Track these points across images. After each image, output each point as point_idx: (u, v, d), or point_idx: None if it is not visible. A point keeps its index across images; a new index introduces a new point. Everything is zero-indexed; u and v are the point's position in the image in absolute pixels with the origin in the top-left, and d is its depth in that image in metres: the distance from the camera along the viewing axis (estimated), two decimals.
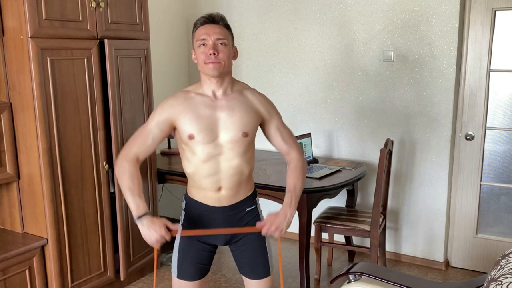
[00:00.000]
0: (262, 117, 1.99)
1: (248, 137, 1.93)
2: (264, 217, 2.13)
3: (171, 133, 1.99)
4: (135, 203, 1.87)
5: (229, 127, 1.90)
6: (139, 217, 1.85)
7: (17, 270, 2.62)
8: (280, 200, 3.11)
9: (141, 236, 1.86)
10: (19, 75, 2.59)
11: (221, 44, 1.86)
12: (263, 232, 1.92)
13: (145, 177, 3.28)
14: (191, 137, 1.88)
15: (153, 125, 1.93)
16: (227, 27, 1.91)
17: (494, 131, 3.39)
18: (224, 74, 1.90)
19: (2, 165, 2.66)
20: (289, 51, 3.95)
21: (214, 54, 1.83)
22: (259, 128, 2.03)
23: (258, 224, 1.95)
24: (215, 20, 1.88)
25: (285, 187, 3.05)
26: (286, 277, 3.47)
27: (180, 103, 1.92)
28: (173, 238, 1.97)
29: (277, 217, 1.91)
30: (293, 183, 2.00)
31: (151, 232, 1.82)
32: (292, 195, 1.97)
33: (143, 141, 1.94)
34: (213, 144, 1.90)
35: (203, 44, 1.86)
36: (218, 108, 1.90)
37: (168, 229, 1.85)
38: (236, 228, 2.01)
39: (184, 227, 2.05)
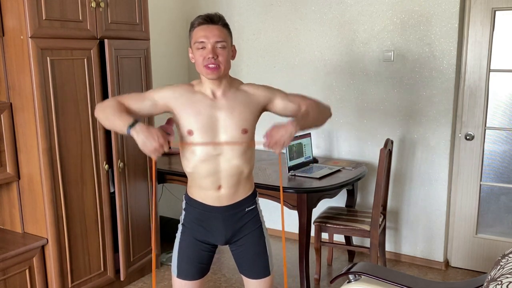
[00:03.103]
0: (266, 100, 1.98)
1: (247, 134, 1.92)
2: (262, 211, 2.12)
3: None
4: (122, 118, 1.76)
5: (228, 126, 1.89)
6: (131, 125, 1.73)
7: (17, 270, 2.62)
8: (280, 200, 3.11)
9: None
10: (19, 75, 2.59)
11: (220, 47, 1.84)
12: (263, 145, 1.80)
13: (145, 177, 3.27)
14: (190, 132, 1.88)
15: (151, 96, 1.92)
16: (226, 26, 1.89)
17: (494, 131, 3.39)
18: (223, 76, 1.90)
19: (2, 165, 2.66)
20: (289, 51, 3.95)
21: (214, 58, 1.82)
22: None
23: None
24: (213, 20, 1.85)
25: (285, 187, 3.07)
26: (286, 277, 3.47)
27: (182, 93, 1.91)
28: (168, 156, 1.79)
29: (278, 130, 1.79)
30: (306, 108, 1.95)
31: (149, 140, 1.70)
32: (301, 115, 1.90)
33: (137, 99, 1.91)
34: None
35: (202, 48, 1.84)
36: (218, 108, 1.90)
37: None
38: (227, 141, 1.88)
39: (185, 226, 2.05)
